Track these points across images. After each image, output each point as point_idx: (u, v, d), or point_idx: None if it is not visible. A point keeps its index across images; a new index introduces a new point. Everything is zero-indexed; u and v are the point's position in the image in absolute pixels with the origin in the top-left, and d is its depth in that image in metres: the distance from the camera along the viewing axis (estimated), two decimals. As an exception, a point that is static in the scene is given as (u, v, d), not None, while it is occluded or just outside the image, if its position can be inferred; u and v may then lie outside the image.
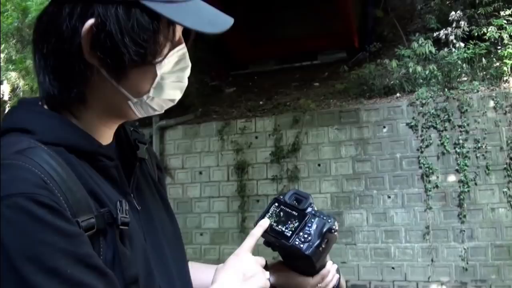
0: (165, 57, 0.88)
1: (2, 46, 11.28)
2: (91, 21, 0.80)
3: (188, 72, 0.96)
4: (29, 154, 0.76)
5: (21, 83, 10.96)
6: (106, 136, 0.95)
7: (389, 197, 6.96)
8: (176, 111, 9.08)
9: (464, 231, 6.53)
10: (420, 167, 6.80)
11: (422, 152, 6.83)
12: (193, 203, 8.21)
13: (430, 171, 6.72)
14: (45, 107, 0.90)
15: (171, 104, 0.97)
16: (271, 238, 1.18)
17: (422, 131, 6.87)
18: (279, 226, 1.17)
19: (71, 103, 0.88)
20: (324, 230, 1.13)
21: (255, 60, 10.72)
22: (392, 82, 7.38)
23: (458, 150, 6.63)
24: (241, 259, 1.08)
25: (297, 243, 1.12)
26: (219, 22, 0.93)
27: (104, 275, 0.76)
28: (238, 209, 7.84)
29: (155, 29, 0.84)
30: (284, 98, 8.73)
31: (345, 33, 9.39)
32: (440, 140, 6.76)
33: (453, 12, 7.64)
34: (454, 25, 7.54)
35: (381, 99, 7.42)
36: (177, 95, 0.95)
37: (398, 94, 7.30)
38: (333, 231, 1.15)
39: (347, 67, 8.55)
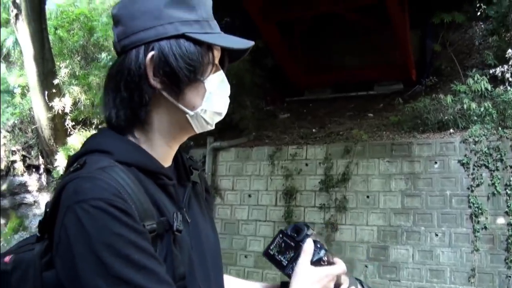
0: (209, 75, 1.15)
1: (67, 62, 12.09)
2: (151, 54, 1.09)
3: (228, 91, 1.23)
4: (109, 170, 1.01)
5: (82, 97, 11.72)
6: (168, 158, 1.20)
7: (436, 235, 6.99)
8: (230, 134, 9.55)
9: (510, 277, 6.48)
10: (470, 207, 6.82)
11: (472, 191, 6.85)
12: (240, 225, 8.53)
13: (480, 211, 6.72)
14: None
15: (219, 118, 1.22)
16: (274, 266, 1.35)
17: (473, 169, 6.90)
18: (279, 256, 1.32)
19: (135, 128, 1.14)
20: (313, 260, 1.27)
21: (311, 87, 11.02)
22: (446, 117, 7.45)
23: (509, 192, 6.63)
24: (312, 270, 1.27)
25: (290, 272, 1.28)
26: (244, 42, 1.20)
27: (162, 265, 1.01)
28: (284, 235, 8.11)
29: (199, 52, 1.12)
30: (337, 127, 8.96)
31: (402, 65, 9.53)
32: (491, 180, 6.76)
33: (510, 50, 7.71)
34: (510, 62, 7.61)
35: (434, 134, 7.51)
36: (223, 108, 1.22)
37: (451, 130, 7.36)
38: (322, 262, 1.28)
39: (402, 99, 8.69)
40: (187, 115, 1.15)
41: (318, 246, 1.29)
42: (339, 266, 1.30)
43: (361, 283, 1.41)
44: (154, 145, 1.16)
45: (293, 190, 8.25)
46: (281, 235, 1.34)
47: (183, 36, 1.10)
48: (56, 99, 10.64)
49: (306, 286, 1.23)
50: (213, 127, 1.22)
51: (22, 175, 15.48)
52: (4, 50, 18.03)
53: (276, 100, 11.17)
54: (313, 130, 9.16)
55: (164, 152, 1.18)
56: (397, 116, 8.40)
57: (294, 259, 1.28)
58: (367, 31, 9.93)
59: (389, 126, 8.35)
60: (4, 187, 15.67)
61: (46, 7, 10.55)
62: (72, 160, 1.11)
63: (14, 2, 9.63)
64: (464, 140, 7.12)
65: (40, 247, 1.09)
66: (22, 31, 9.76)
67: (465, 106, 7.30)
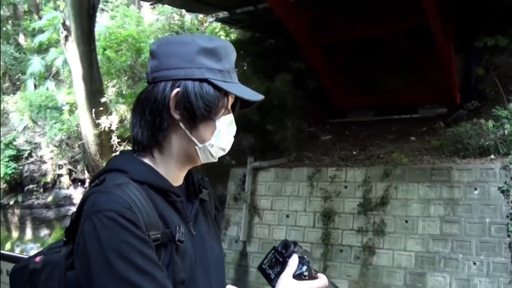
0: (221, 116, 1.36)
1: (114, 81, 12.60)
2: (177, 90, 1.30)
3: (234, 132, 1.43)
4: (123, 187, 1.21)
5: (128, 115, 12.19)
6: (178, 178, 1.40)
7: (474, 263, 6.94)
8: (271, 154, 9.77)
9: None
10: (509, 235, 6.76)
11: (512, 219, 6.85)
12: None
13: (519, 240, 6.66)
14: (136, 155, 1.37)
15: (222, 153, 1.42)
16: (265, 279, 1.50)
17: (514, 197, 6.85)
18: (269, 270, 1.46)
19: (154, 148, 1.34)
20: (295, 274, 1.41)
21: (354, 109, 11.11)
22: (487, 143, 7.44)
23: (550, 222, 6.56)
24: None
25: (275, 284, 1.42)
26: (255, 95, 1.40)
27: (163, 270, 1.18)
28: (321, 256, 8.16)
29: (216, 96, 1.32)
30: (378, 150, 9.03)
31: (446, 89, 9.55)
32: (532, 209, 6.70)
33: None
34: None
35: (475, 159, 7.51)
36: (227, 146, 1.42)
37: (492, 156, 7.35)
38: (303, 276, 1.41)
39: (445, 123, 8.71)
40: (196, 147, 1.35)
41: (302, 262, 1.42)
42: (321, 280, 1.41)
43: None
44: (167, 166, 1.36)
45: (331, 212, 8.36)
46: (273, 251, 1.47)
47: (206, 80, 1.32)
48: (103, 117, 11.11)
49: None
50: (216, 160, 1.42)
51: (67, 188, 16.12)
52: (54, 69, 18.88)
53: (319, 122, 11.30)
54: (354, 152, 9.25)
55: (174, 173, 1.38)
56: (439, 140, 8.41)
57: (279, 273, 1.41)
58: (412, 54, 9.98)
59: (430, 150, 8.38)
60: (50, 198, 16.35)
61: (95, 29, 11.06)
62: (95, 177, 1.33)
63: (64, 24, 10.17)
64: (504, 167, 7.10)
65: (66, 250, 1.28)
66: (72, 51, 10.29)
67: (506, 132, 7.30)
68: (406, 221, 7.68)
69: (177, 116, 1.32)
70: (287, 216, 8.78)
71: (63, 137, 15.97)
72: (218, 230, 1.57)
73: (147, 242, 1.18)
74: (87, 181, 13.51)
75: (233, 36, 13.32)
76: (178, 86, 1.31)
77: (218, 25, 13.31)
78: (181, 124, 1.33)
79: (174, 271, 1.23)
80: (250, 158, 9.52)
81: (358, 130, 10.55)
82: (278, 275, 1.41)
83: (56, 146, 16.42)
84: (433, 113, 9.92)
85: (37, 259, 1.32)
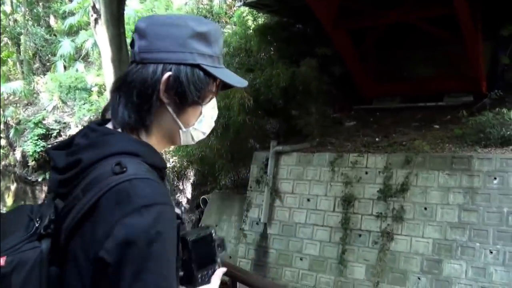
0: (208, 102, 1.39)
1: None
2: (168, 74, 1.28)
3: (216, 117, 1.47)
4: (150, 174, 1.22)
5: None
6: None
7: (491, 252, 7.10)
8: (294, 139, 10.04)
9: None
10: None
11: (530, 209, 6.91)
12: (297, 228, 8.97)
13: (536, 230, 6.76)
14: (131, 135, 1.33)
15: (202, 137, 1.45)
16: None
17: (533, 187, 6.96)
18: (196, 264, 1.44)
19: (140, 129, 1.32)
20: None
21: (380, 96, 11.31)
22: (508, 132, 7.59)
23: None
24: None
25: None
26: (241, 81, 1.44)
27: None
28: (340, 240, 8.42)
29: (207, 82, 1.34)
30: (401, 137, 9.20)
31: (473, 77, 9.65)
32: (550, 199, 6.80)
33: None
34: None
35: (496, 149, 7.65)
36: (208, 130, 1.45)
37: (513, 146, 7.46)
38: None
39: (468, 112, 8.84)
40: (180, 130, 1.38)
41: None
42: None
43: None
44: (152, 145, 1.37)
45: (351, 197, 8.58)
46: (211, 241, 1.47)
47: (198, 66, 1.32)
48: (131, 99, 11.51)
49: None
50: (194, 143, 1.48)
51: (95, 168, 16.64)
52: (83, 51, 19.36)
53: (344, 108, 11.48)
54: (376, 139, 9.45)
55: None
56: (461, 129, 8.55)
57: (206, 277, 1.45)
58: (439, 41, 10.08)
59: (452, 138, 8.53)
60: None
61: (125, 12, 11.38)
62: (96, 159, 1.24)
63: (93, 7, 10.49)
64: (525, 157, 7.20)
65: (47, 245, 1.20)
66: (101, 34, 10.61)
67: (528, 122, 7.39)
68: (425, 208, 7.86)
69: (165, 100, 1.32)
70: (308, 200, 9.04)
71: (92, 117, 16.48)
72: None
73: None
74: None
75: (260, 20, 13.52)
76: (170, 70, 1.30)
77: (245, 9, 13.50)
78: (168, 108, 1.33)
79: (178, 250, 1.27)
80: (273, 142, 9.78)
81: (382, 117, 10.71)
82: (204, 278, 1.43)
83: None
84: (459, 102, 10.02)
85: (1, 262, 1.17)
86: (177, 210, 1.27)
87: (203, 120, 1.41)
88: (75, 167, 1.24)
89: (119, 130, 1.33)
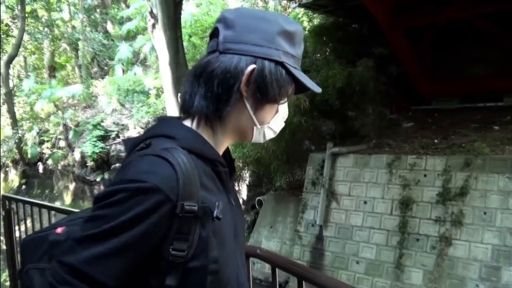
0: (284, 101, 1.39)
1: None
2: (252, 66, 1.28)
3: (286, 118, 1.46)
4: (172, 152, 1.19)
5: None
6: (222, 149, 1.41)
7: (552, 259, 6.93)
8: (350, 140, 10.11)
9: None
10: None
11: None
12: (354, 230, 9.03)
13: None
14: (184, 123, 1.35)
15: (272, 135, 1.44)
16: None
17: None
18: None
19: (215, 120, 1.32)
20: None
21: (438, 96, 11.21)
22: None
23: None
24: None
25: None
26: (316, 87, 1.40)
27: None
28: (397, 244, 8.43)
29: (288, 81, 1.34)
30: (460, 138, 9.12)
31: (532, 76, 9.39)
32: None
33: None
34: None
35: (558, 151, 7.54)
36: (279, 129, 1.44)
37: None
38: None
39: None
40: (254, 126, 1.38)
41: None
42: None
43: None
44: (219, 138, 1.37)
45: (409, 200, 8.57)
46: None
47: (281, 63, 1.32)
48: (188, 101, 11.83)
49: None
50: (263, 142, 1.46)
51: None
52: (141, 55, 19.97)
53: (401, 109, 11.47)
54: (435, 140, 9.38)
55: (222, 145, 1.41)
56: (523, 129, 8.43)
57: None
58: (498, 39, 9.95)
59: (513, 140, 8.41)
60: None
61: (181, 16, 11.74)
62: (138, 141, 1.30)
63: (151, 12, 10.89)
64: None
65: None
66: (158, 38, 11.01)
67: None
68: (485, 213, 7.75)
69: (245, 93, 1.31)
70: (365, 202, 9.09)
71: (149, 119, 17.00)
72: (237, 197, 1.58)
73: (152, 233, 1.18)
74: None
75: (316, 21, 13.64)
76: (254, 63, 1.30)
77: (301, 10, 13.64)
78: (246, 102, 1.33)
79: (208, 249, 1.22)
80: (329, 143, 9.86)
81: (441, 118, 10.64)
82: None
83: (142, 128, 17.51)
84: (518, 102, 9.82)
85: (59, 230, 1.33)
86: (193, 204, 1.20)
87: (277, 120, 1.42)
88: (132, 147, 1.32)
89: (193, 117, 1.35)
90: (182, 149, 1.23)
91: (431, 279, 7.96)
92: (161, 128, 1.34)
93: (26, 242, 1.40)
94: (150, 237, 1.17)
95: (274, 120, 1.41)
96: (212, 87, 1.29)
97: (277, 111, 1.40)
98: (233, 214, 1.40)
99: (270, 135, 1.44)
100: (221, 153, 1.40)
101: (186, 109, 1.36)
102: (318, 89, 1.40)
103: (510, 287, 7.18)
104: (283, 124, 1.47)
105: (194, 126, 1.34)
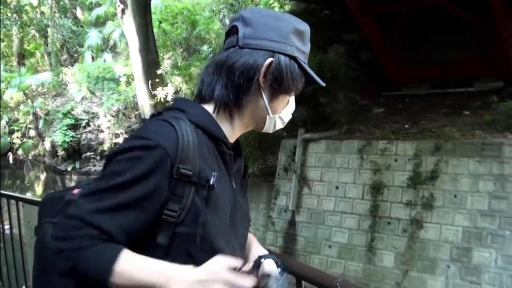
0: (294, 94, 1.54)
1: (170, 53, 13.14)
2: (270, 59, 1.43)
3: (293, 110, 1.61)
4: (179, 121, 1.34)
5: (184, 87, 12.70)
6: (234, 137, 1.54)
7: (521, 240, 7.04)
8: (322, 127, 10.08)
9: None
10: None
11: (562, 196, 6.84)
12: (326, 215, 9.04)
13: None
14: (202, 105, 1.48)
15: (281, 126, 1.58)
16: None
17: None
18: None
19: (233, 108, 1.46)
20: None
21: (409, 82, 11.23)
22: (540, 118, 7.52)
23: None
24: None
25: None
26: (321, 81, 1.55)
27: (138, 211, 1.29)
28: (368, 228, 8.48)
29: (300, 75, 1.50)
30: (430, 123, 9.16)
31: (503, 61, 9.49)
32: None
33: None
34: None
35: (527, 135, 7.57)
36: (287, 120, 1.59)
37: (545, 132, 7.39)
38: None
39: (499, 97, 8.76)
40: (268, 116, 1.52)
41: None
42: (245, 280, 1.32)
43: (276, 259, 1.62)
44: (234, 125, 1.51)
45: (380, 185, 8.62)
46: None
47: (295, 58, 1.48)
48: (159, 88, 11.68)
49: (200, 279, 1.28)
50: (271, 132, 1.61)
51: (124, 156, 16.93)
52: (111, 42, 19.66)
53: (372, 95, 11.45)
54: (406, 125, 9.42)
55: (235, 132, 1.54)
56: (491, 115, 8.47)
57: None
58: (468, 25, 9.96)
59: (482, 125, 8.45)
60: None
61: (151, 2, 11.56)
62: (152, 115, 1.48)
63: (120, -2, 10.68)
64: (557, 143, 7.12)
65: None
66: (128, 24, 10.83)
67: (560, 107, 7.30)
68: (455, 196, 7.84)
69: (262, 84, 1.46)
70: (337, 187, 9.09)
71: (120, 107, 16.80)
72: (246, 191, 1.70)
73: (155, 190, 1.30)
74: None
75: (287, 7, 13.55)
76: (272, 57, 1.45)
77: (272, -4, 13.53)
78: (263, 92, 1.48)
79: (198, 212, 1.34)
80: (301, 130, 9.84)
81: (412, 104, 10.68)
82: None
83: (113, 116, 17.29)
84: (488, 87, 9.92)
85: (75, 191, 1.48)
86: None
87: (287, 110, 1.57)
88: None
89: (214, 104, 1.48)
90: (190, 122, 1.38)
91: (403, 261, 8.02)
92: (176, 103, 1.50)
93: (44, 201, 1.55)
94: (154, 194, 1.29)
95: (285, 111, 1.56)
96: (233, 77, 1.43)
97: (288, 103, 1.56)
98: (234, 197, 1.51)
99: (279, 125, 1.58)
100: (232, 140, 1.53)
101: (203, 97, 1.50)
102: (323, 84, 1.55)
103: (481, 267, 7.29)
104: (290, 116, 1.62)
105: (214, 112, 1.48)
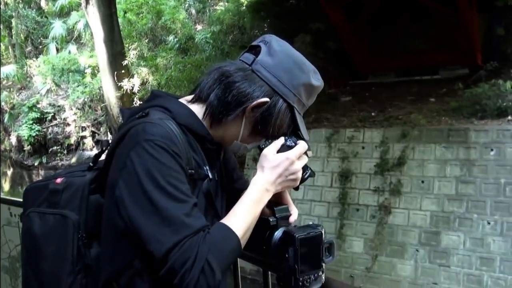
0: (273, 138, 1.46)
1: (135, 44, 12.89)
2: (266, 99, 1.40)
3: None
4: (166, 122, 1.33)
5: (150, 78, 12.49)
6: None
7: (488, 223, 7.15)
8: (289, 115, 10.03)
9: None
10: None
11: (527, 180, 6.92)
12: (295, 204, 9.01)
13: (534, 201, 6.79)
14: (194, 105, 1.47)
15: (246, 152, 1.66)
16: None
17: (530, 157, 6.96)
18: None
19: (215, 119, 1.43)
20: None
21: (375, 71, 11.28)
22: (504, 104, 7.57)
23: None
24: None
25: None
26: (307, 136, 1.50)
27: (194, 200, 1.29)
28: (338, 215, 8.48)
29: (289, 124, 1.44)
30: (397, 111, 9.20)
31: (468, 49, 9.60)
32: (547, 169, 6.82)
33: None
34: None
35: (492, 120, 7.64)
36: (246, 152, 1.69)
37: (509, 117, 7.47)
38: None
39: (462, 84, 8.82)
40: (235, 140, 1.49)
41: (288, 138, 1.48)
42: (299, 147, 1.45)
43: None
44: (210, 131, 1.48)
45: (348, 173, 8.61)
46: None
47: (292, 108, 1.43)
48: (125, 79, 11.44)
49: (267, 172, 1.42)
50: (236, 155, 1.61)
51: (91, 149, 16.67)
52: (75, 33, 19.26)
53: (339, 83, 11.43)
54: (373, 113, 9.44)
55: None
56: (457, 101, 8.53)
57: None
58: (434, 14, 10.02)
59: (448, 111, 8.52)
60: (74, 160, 16.94)
61: (116, -9, 11.31)
62: (135, 111, 1.43)
63: (84, -13, 10.40)
64: (522, 128, 7.19)
65: (91, 175, 1.45)
66: (93, 15, 10.55)
67: (524, 93, 7.37)
68: (422, 181, 7.89)
69: (247, 114, 1.43)
70: (305, 176, 9.01)
71: (86, 99, 16.46)
72: (225, 188, 1.66)
73: (187, 175, 1.32)
74: (110, 142, 14.05)
75: (253, -4, 13.41)
76: (271, 97, 1.41)
77: (239, -15, 13.39)
78: (243, 121, 1.44)
79: (198, 207, 1.33)
80: (269, 120, 9.73)
81: (378, 92, 10.69)
82: (306, 284, 1.36)
83: (79, 109, 16.95)
84: (454, 74, 10.01)
85: (58, 180, 1.45)
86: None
87: (253, 146, 1.54)
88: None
89: (204, 105, 1.46)
90: (174, 121, 1.37)
91: (372, 246, 8.04)
92: (160, 101, 1.46)
93: (28, 190, 1.52)
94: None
95: (252, 145, 1.53)
96: (228, 94, 1.41)
97: (260, 141, 1.52)
98: (215, 191, 1.49)
99: (239, 151, 1.58)
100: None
101: (199, 95, 1.48)
102: (307, 137, 1.49)
103: (449, 250, 7.37)
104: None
105: (201, 111, 1.46)
